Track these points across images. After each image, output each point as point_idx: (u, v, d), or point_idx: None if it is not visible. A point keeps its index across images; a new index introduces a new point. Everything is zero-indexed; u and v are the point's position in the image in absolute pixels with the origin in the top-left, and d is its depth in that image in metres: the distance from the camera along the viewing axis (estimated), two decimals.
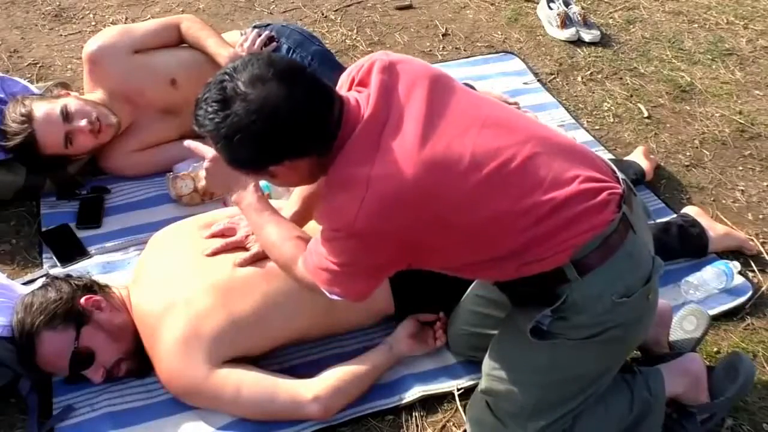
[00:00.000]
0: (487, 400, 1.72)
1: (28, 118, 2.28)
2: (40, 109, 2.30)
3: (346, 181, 1.45)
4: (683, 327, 1.98)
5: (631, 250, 1.54)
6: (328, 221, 1.49)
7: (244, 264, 1.87)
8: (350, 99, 1.50)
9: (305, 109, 1.41)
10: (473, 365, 1.92)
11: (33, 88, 2.65)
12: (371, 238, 1.46)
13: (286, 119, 1.39)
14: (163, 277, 1.89)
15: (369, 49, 3.25)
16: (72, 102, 2.35)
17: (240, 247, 1.91)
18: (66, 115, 2.30)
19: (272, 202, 2.25)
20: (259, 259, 1.87)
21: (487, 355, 1.74)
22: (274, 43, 2.65)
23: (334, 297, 1.57)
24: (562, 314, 1.55)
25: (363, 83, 1.54)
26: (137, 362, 1.89)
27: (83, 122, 2.31)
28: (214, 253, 1.90)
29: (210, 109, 1.41)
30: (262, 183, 2.39)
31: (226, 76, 1.41)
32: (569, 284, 1.52)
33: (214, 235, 1.96)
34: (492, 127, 1.52)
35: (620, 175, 1.62)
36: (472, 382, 1.91)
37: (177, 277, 1.87)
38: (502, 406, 1.69)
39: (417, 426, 1.87)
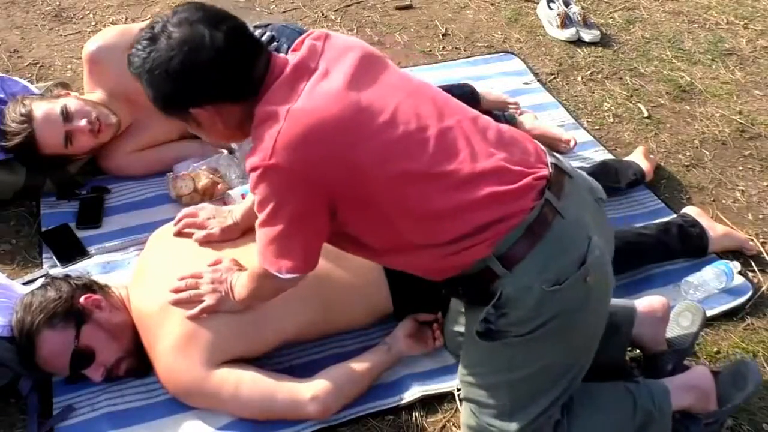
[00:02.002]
0: (469, 407, 1.72)
1: (28, 117, 2.28)
2: (40, 108, 2.30)
3: (266, 116, 1.47)
4: (679, 323, 1.98)
5: (558, 236, 1.53)
6: (250, 160, 1.49)
7: (198, 241, 1.94)
8: (279, 56, 1.55)
9: (225, 52, 1.46)
10: None
11: (33, 88, 2.65)
12: (287, 173, 1.45)
13: (204, 59, 1.45)
14: (162, 276, 1.89)
15: None
16: (72, 102, 2.35)
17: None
18: (66, 115, 2.30)
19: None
20: (222, 241, 1.94)
21: (459, 362, 1.75)
22: (275, 43, 2.65)
23: (287, 275, 1.55)
24: (503, 311, 1.54)
25: (295, 49, 1.58)
26: (137, 361, 1.89)
27: (83, 122, 2.31)
28: (179, 233, 1.99)
29: (139, 47, 1.49)
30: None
31: (158, 19, 1.50)
32: (500, 279, 1.53)
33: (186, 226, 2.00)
34: (418, 98, 1.57)
35: (551, 160, 1.61)
36: None
37: (176, 277, 1.86)
38: (482, 410, 1.69)
39: (417, 426, 1.87)
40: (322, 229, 1.56)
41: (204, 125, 1.56)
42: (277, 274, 1.56)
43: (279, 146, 1.43)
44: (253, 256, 1.63)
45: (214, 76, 1.47)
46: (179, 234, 1.99)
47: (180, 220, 2.01)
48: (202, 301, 1.80)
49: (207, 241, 1.94)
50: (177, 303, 1.82)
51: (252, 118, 1.50)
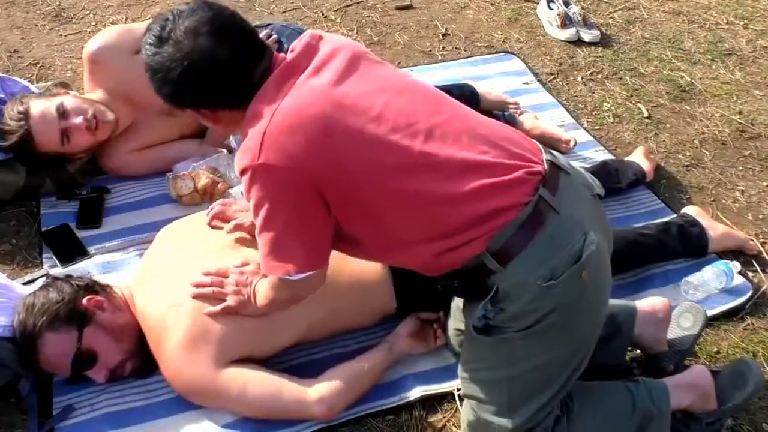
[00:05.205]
0: (470, 403, 1.72)
1: (25, 115, 2.29)
2: (37, 106, 2.31)
3: (255, 115, 1.50)
4: (680, 324, 1.98)
5: (553, 232, 1.52)
6: (240, 161, 1.51)
7: (228, 232, 1.95)
8: (280, 56, 1.58)
9: (227, 68, 1.51)
10: None
11: (33, 88, 2.65)
12: (276, 171, 1.47)
13: (204, 74, 1.50)
14: (171, 275, 1.89)
15: (369, 49, 3.24)
16: (68, 99, 2.35)
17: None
18: (62, 113, 2.30)
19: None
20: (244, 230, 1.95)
21: (460, 359, 1.75)
22: (277, 44, 2.65)
23: (297, 276, 1.56)
24: (501, 306, 1.54)
25: (292, 50, 1.61)
26: (141, 362, 1.89)
27: (78, 119, 2.31)
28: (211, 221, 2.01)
29: (149, 40, 1.53)
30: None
31: (170, 16, 1.53)
32: (495, 275, 1.52)
33: (214, 216, 2.02)
34: (409, 95, 1.58)
35: (546, 156, 1.60)
36: None
37: (184, 276, 1.86)
38: (481, 406, 1.69)
39: (417, 426, 1.87)
40: (322, 226, 1.56)
41: (204, 119, 1.62)
42: (287, 277, 1.57)
43: (266, 144, 1.46)
44: None
45: (212, 89, 1.53)
46: (211, 220, 2.01)
47: (215, 216, 2.02)
48: (223, 300, 1.80)
49: (235, 231, 1.95)
50: (198, 297, 1.81)
51: None
